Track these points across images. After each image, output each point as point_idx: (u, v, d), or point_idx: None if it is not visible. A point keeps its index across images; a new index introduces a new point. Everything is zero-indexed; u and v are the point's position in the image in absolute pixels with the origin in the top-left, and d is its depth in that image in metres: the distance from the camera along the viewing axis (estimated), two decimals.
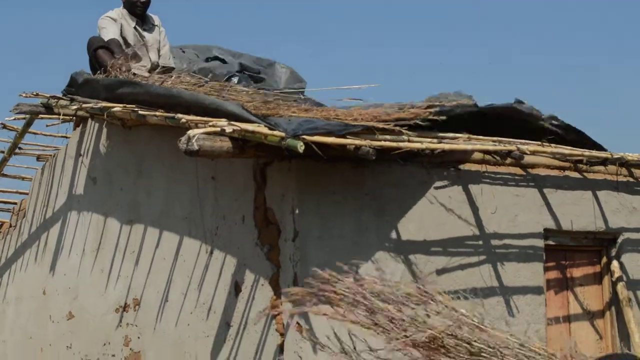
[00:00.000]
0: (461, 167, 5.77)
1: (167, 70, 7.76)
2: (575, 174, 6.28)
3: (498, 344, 3.86)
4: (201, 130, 4.76)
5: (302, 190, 5.29)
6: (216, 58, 8.48)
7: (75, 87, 7.18)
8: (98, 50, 7.55)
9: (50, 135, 8.95)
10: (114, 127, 7.20)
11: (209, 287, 5.97)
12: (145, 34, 8.05)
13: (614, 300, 6.42)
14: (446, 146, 5.30)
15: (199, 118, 5.31)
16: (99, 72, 7.31)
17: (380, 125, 5.12)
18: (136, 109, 6.04)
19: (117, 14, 7.95)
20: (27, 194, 9.76)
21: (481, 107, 5.88)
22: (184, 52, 8.54)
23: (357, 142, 4.85)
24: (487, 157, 5.76)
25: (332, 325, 5.20)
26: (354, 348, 4.25)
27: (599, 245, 6.49)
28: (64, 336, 8.11)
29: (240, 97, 6.29)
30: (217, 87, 6.62)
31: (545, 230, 6.09)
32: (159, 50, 8.10)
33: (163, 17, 8.20)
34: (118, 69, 7.09)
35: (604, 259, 6.51)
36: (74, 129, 8.24)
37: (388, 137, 5.10)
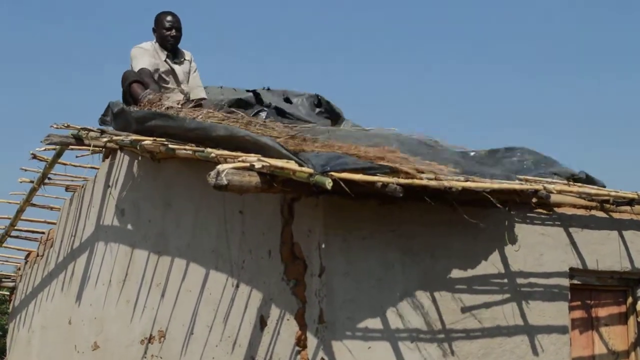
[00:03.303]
0: (487, 205, 5.78)
1: (198, 102, 7.87)
2: (602, 214, 6.28)
3: None
4: (230, 165, 4.81)
5: (329, 226, 5.32)
6: (254, 93, 8.55)
7: (110, 116, 7.30)
8: (132, 84, 7.67)
9: (80, 166, 9.05)
10: (143, 160, 7.28)
11: (234, 320, 6.00)
12: (175, 66, 8.18)
13: (639, 341, 6.40)
14: (472, 185, 5.32)
15: (228, 153, 5.36)
16: (132, 105, 7.41)
17: (405, 169, 5.15)
18: (166, 143, 6.11)
19: (150, 46, 8.08)
20: (55, 223, 9.87)
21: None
22: (221, 88, 8.64)
23: (385, 179, 4.88)
24: (514, 195, 5.77)
25: None
26: None
27: (625, 285, 6.47)
28: None
29: (268, 132, 6.35)
30: (245, 122, 6.69)
31: (571, 269, 6.08)
32: (187, 82, 8.23)
33: None
34: (151, 102, 7.18)
35: (630, 299, 6.49)
36: (103, 160, 8.34)
37: (415, 174, 5.14)
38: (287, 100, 8.62)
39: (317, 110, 8.60)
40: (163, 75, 8.05)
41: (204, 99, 8.17)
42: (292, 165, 4.87)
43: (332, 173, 4.73)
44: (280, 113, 8.26)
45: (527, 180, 6.00)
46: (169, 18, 8.12)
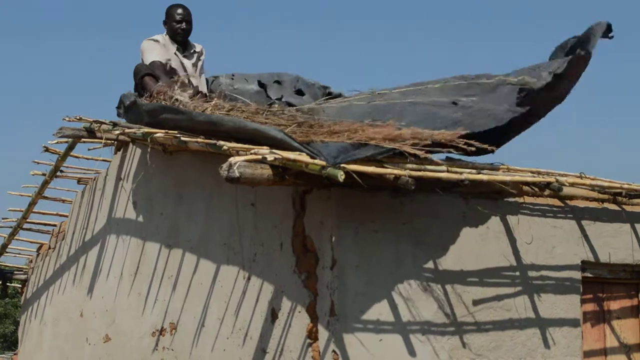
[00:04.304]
0: (499, 197, 5.78)
1: (204, 97, 7.87)
2: (614, 206, 6.26)
3: None
4: (242, 158, 4.81)
5: (341, 219, 5.32)
6: (262, 85, 8.55)
7: (123, 109, 7.31)
8: (145, 77, 7.67)
9: (92, 159, 9.07)
10: (155, 152, 7.28)
11: (245, 313, 6.01)
12: (185, 60, 8.18)
13: None
14: (485, 177, 5.31)
15: (240, 145, 5.36)
16: (144, 98, 7.41)
17: (413, 151, 5.12)
18: (178, 135, 6.11)
19: (161, 39, 8.09)
20: (67, 216, 9.89)
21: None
22: (232, 78, 8.63)
23: (397, 171, 4.88)
24: (526, 188, 5.77)
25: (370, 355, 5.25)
26: None
27: (637, 278, 6.45)
28: (100, 359, 8.19)
29: (276, 120, 6.33)
30: (252, 111, 6.68)
31: (583, 262, 6.07)
32: (198, 77, 8.23)
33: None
34: (162, 95, 7.18)
35: None
36: (115, 153, 8.36)
37: (428, 167, 5.13)
38: (299, 92, 8.61)
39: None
40: (174, 68, 8.05)
41: (206, 95, 8.17)
42: (304, 157, 4.86)
43: (344, 165, 4.72)
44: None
45: (539, 173, 5.99)
46: (179, 11, 8.12)
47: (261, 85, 8.55)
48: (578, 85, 6.41)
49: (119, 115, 7.49)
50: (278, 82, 8.59)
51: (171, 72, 7.99)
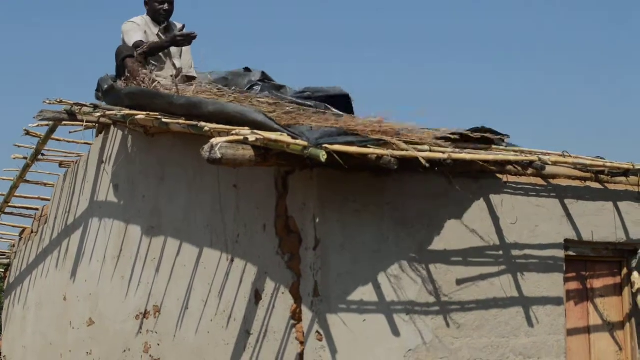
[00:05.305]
0: (482, 177, 5.78)
1: (190, 79, 7.80)
2: (597, 185, 6.27)
3: None
4: (224, 139, 4.78)
5: (324, 199, 5.31)
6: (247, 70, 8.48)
7: (101, 92, 7.25)
8: (126, 59, 7.59)
9: (73, 142, 9.02)
10: (137, 135, 7.24)
11: (229, 295, 5.99)
12: None
13: (634, 312, 6.41)
14: (467, 156, 5.31)
15: (221, 126, 5.33)
16: (123, 79, 7.34)
17: (399, 143, 5.14)
18: (159, 117, 6.07)
19: (141, 21, 8.01)
20: (49, 200, 9.84)
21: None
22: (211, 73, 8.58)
23: (379, 151, 4.86)
24: (509, 167, 5.77)
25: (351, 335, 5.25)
26: None
27: (620, 257, 6.48)
28: (84, 342, 8.16)
29: (261, 107, 6.31)
30: (239, 98, 6.64)
31: (566, 240, 6.09)
32: (180, 58, 8.14)
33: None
34: (142, 79, 7.12)
35: (625, 270, 6.50)
36: (97, 136, 8.30)
37: (410, 146, 5.12)
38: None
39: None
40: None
41: (194, 77, 8.10)
42: (285, 138, 4.84)
43: (326, 145, 4.70)
44: (274, 86, 8.18)
45: (522, 152, 5.98)
46: None
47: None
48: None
49: (97, 98, 7.43)
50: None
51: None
